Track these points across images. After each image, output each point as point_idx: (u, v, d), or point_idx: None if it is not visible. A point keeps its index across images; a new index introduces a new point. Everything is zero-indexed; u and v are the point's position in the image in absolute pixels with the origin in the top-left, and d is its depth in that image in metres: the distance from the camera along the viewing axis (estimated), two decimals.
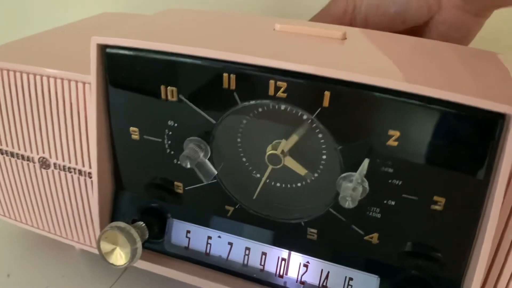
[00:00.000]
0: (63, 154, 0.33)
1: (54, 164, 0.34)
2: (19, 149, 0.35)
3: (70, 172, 0.34)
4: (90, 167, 0.33)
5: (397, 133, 0.23)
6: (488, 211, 0.23)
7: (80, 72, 0.30)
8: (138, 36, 0.27)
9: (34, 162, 0.35)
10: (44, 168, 0.34)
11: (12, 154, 0.35)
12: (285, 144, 0.26)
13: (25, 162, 0.35)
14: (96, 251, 0.33)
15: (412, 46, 0.28)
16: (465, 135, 0.22)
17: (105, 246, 0.30)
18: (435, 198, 0.24)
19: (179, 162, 0.29)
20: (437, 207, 0.24)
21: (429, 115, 0.23)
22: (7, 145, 0.35)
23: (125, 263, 0.30)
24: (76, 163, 0.33)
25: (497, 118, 0.21)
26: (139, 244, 0.30)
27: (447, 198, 0.24)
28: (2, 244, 0.40)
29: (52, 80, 0.31)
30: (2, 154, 0.35)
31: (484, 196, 0.23)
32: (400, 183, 0.24)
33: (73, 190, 0.34)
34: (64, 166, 0.34)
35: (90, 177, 0.33)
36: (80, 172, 0.33)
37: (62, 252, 0.39)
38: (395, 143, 0.24)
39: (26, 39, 0.37)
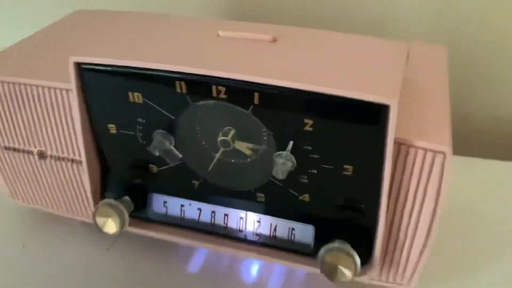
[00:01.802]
0: (57, 147, 0.40)
1: (50, 155, 0.41)
2: (20, 145, 0.42)
3: (64, 161, 0.41)
4: (80, 156, 0.40)
5: (310, 121, 0.31)
6: (384, 174, 0.31)
7: (64, 80, 0.37)
8: (107, 54, 0.33)
9: (33, 155, 0.42)
10: (42, 159, 0.42)
11: (14, 149, 0.42)
12: (232, 134, 0.33)
13: (26, 155, 0.42)
14: (80, 219, 0.41)
15: (338, 44, 0.34)
16: (360, 120, 0.30)
17: (100, 219, 0.38)
18: (345, 166, 0.32)
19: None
20: (347, 173, 0.32)
21: (332, 107, 0.30)
22: (8, 142, 0.42)
23: (117, 231, 0.38)
24: (69, 154, 0.40)
25: (382, 107, 0.29)
26: (126, 216, 0.38)
27: (353, 166, 0.32)
28: (16, 220, 0.47)
29: (41, 89, 0.37)
30: (6, 149, 0.42)
31: (381, 165, 0.31)
32: (318, 157, 0.32)
33: (68, 175, 0.41)
34: (59, 157, 0.41)
35: (81, 164, 0.40)
36: (72, 160, 0.40)
37: (66, 224, 0.47)
38: (310, 128, 0.31)
39: (12, 48, 0.43)
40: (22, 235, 0.46)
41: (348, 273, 0.33)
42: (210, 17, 0.65)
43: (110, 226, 0.38)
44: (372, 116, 0.29)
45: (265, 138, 0.33)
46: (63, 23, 0.49)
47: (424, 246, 0.34)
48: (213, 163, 0.35)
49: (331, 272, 0.34)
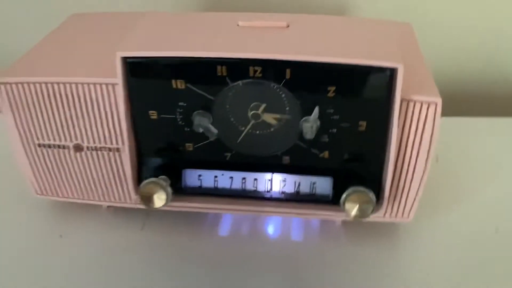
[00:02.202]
0: (93, 138, 0.44)
1: (87, 147, 0.45)
2: (55, 140, 0.45)
3: (101, 150, 0.45)
4: (117, 144, 0.44)
5: (333, 88, 0.38)
6: (392, 128, 0.39)
7: (101, 75, 0.41)
8: (151, 48, 0.38)
9: (69, 149, 0.45)
10: (78, 152, 0.45)
11: (49, 146, 0.45)
12: (263, 108, 0.40)
13: (61, 150, 0.46)
14: (120, 205, 0.46)
15: (340, 25, 0.42)
16: (372, 83, 0.38)
17: (146, 197, 0.43)
18: (360, 122, 0.40)
19: (189, 129, 0.42)
20: (361, 128, 0.40)
21: (351, 73, 0.37)
22: (43, 139, 0.45)
23: (164, 204, 0.43)
24: (106, 143, 0.44)
25: (387, 72, 0.37)
26: (169, 189, 0.43)
27: (367, 122, 0.40)
28: (48, 215, 0.51)
29: (74, 86, 0.41)
30: (39, 147, 0.46)
31: (388, 119, 0.39)
32: (338, 117, 0.40)
33: (104, 163, 0.46)
34: (95, 147, 0.45)
35: (118, 151, 0.45)
36: (109, 149, 0.45)
37: (92, 211, 0.50)
38: (333, 94, 0.38)
39: (32, 53, 0.46)
40: (54, 227, 0.49)
41: (368, 210, 0.41)
42: (190, 9, 0.70)
43: (157, 201, 0.43)
44: (384, 77, 0.37)
45: (288, 108, 0.40)
46: (67, 26, 0.52)
47: (420, 184, 0.43)
48: (243, 135, 0.41)
49: (353, 211, 0.42)
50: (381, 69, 0.37)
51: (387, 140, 0.41)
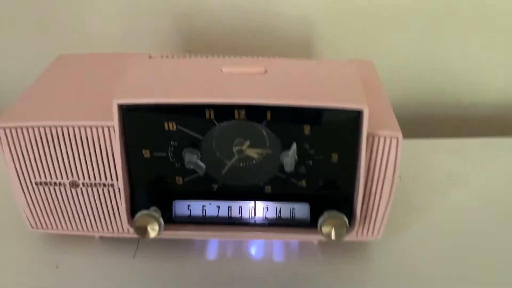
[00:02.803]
0: (89, 175, 0.48)
1: (82, 183, 0.48)
2: (52, 178, 0.48)
3: (96, 186, 0.49)
4: (111, 180, 0.48)
5: (308, 126, 0.43)
6: (360, 159, 0.45)
7: (96, 118, 0.45)
8: (145, 95, 0.43)
9: (65, 186, 0.49)
10: (73, 188, 0.49)
11: (45, 183, 0.49)
12: (247, 145, 0.44)
13: (57, 187, 0.49)
14: (112, 235, 0.49)
15: (311, 68, 0.47)
16: (341, 122, 0.43)
17: (140, 228, 0.47)
18: (332, 155, 0.45)
19: (179, 165, 0.46)
20: (333, 160, 0.45)
21: (324, 115, 0.43)
22: (40, 178, 0.48)
23: (157, 234, 0.47)
24: (101, 179, 0.48)
25: (355, 113, 0.42)
26: (161, 220, 0.47)
27: (338, 155, 0.45)
28: (46, 246, 0.53)
29: (77, 128, 0.45)
30: (37, 185, 0.49)
31: (357, 151, 0.44)
32: (313, 151, 0.45)
33: (98, 198, 0.49)
34: (91, 183, 0.48)
35: (112, 187, 0.48)
36: (104, 184, 0.48)
37: (84, 242, 0.54)
38: (308, 132, 0.44)
39: (26, 97, 0.50)
40: (51, 258, 0.52)
41: (343, 232, 0.46)
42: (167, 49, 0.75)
43: (151, 232, 0.47)
44: (352, 117, 0.42)
45: (268, 143, 0.45)
46: (56, 68, 0.56)
47: (387, 205, 0.49)
48: (227, 167, 0.46)
49: (329, 234, 0.47)
50: (348, 111, 0.42)
51: (356, 169, 0.46)
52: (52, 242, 0.54)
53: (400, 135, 0.45)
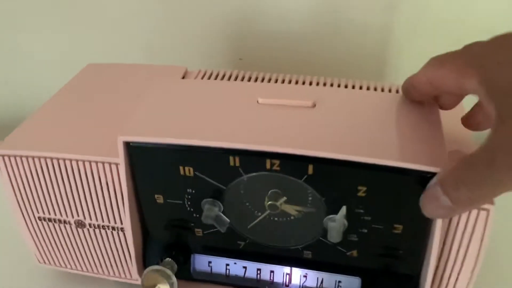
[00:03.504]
0: (96, 215, 0.40)
1: (89, 224, 0.41)
2: (56, 215, 0.41)
3: (104, 229, 0.41)
4: (121, 224, 0.40)
5: (364, 188, 0.32)
6: (432, 231, 0.33)
7: (104, 152, 0.37)
8: (154, 132, 0.34)
9: (70, 224, 0.42)
10: (80, 228, 0.42)
11: (49, 220, 0.42)
12: (283, 201, 0.34)
13: (62, 225, 0.42)
14: (128, 281, 0.42)
15: (375, 105, 0.36)
16: (411, 185, 0.31)
17: (147, 287, 0.38)
18: (395, 225, 0.34)
19: (198, 216, 0.37)
20: (397, 231, 0.34)
21: (385, 174, 0.31)
22: (43, 213, 0.42)
23: None
24: (109, 221, 0.40)
25: (429, 175, 0.30)
26: (174, 279, 0.39)
27: (403, 226, 0.34)
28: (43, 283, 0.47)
29: (81, 163, 0.38)
30: (40, 220, 0.42)
31: (429, 224, 0.33)
32: (369, 218, 0.34)
33: (108, 241, 0.42)
34: (98, 225, 0.41)
35: (122, 231, 0.41)
36: (113, 228, 0.41)
37: (100, 284, 0.47)
38: (364, 194, 0.33)
39: (34, 120, 0.43)
40: None
41: None
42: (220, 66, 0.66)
43: None
44: (424, 181, 0.31)
45: (311, 200, 0.34)
46: (79, 83, 0.48)
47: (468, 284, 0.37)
48: (255, 222, 0.36)
49: None
50: (420, 172, 0.30)
51: (427, 241, 0.34)
52: (53, 280, 0.47)
53: (491, 207, 0.32)
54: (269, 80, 0.44)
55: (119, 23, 0.66)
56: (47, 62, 0.70)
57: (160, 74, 0.48)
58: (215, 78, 0.46)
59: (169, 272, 0.38)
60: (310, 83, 0.44)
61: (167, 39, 0.66)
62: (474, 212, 0.33)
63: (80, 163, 0.38)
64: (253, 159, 0.33)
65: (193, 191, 0.36)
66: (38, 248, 0.44)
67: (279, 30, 0.62)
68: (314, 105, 0.36)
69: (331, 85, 0.44)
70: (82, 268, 0.45)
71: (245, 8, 0.62)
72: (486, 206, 0.32)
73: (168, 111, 0.36)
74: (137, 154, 0.35)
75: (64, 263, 0.45)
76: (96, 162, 0.37)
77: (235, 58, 0.65)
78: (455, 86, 0.30)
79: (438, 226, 0.32)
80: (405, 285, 0.37)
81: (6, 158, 0.39)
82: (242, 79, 0.45)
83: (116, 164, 0.37)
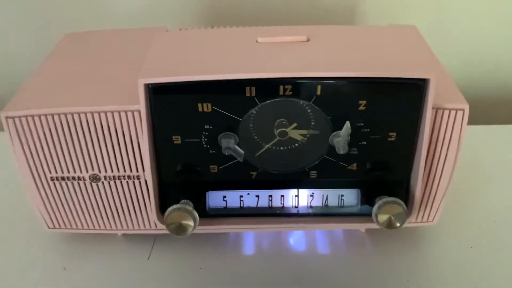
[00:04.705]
0: (111, 167, 0.42)
1: (104, 176, 0.43)
2: (69, 173, 0.43)
3: (119, 179, 0.43)
4: (137, 171, 0.42)
5: (364, 101, 0.38)
6: (421, 137, 0.39)
7: (117, 101, 0.39)
8: (175, 73, 0.37)
9: (85, 180, 0.43)
10: (94, 182, 0.43)
11: (63, 178, 0.43)
12: (293, 126, 0.39)
13: (75, 182, 0.43)
14: (138, 232, 0.44)
15: (357, 35, 0.41)
16: (404, 94, 0.37)
17: (173, 225, 0.41)
18: (390, 133, 0.39)
19: (214, 152, 0.40)
20: (391, 139, 0.40)
21: (382, 86, 0.37)
22: (56, 172, 0.43)
23: (192, 229, 0.41)
24: (125, 171, 0.42)
25: (420, 82, 0.36)
26: (195, 213, 0.42)
27: (397, 133, 0.39)
28: (54, 244, 0.48)
29: (97, 114, 0.39)
30: (53, 180, 0.43)
31: (418, 128, 0.39)
32: (368, 130, 0.39)
33: (123, 192, 0.44)
34: (114, 176, 0.43)
35: (138, 179, 0.43)
36: (129, 177, 0.43)
37: (106, 240, 0.48)
38: (364, 108, 0.38)
39: (38, 79, 0.44)
40: (61, 259, 0.47)
41: (401, 219, 0.41)
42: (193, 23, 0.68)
43: (185, 227, 0.41)
44: (417, 88, 0.37)
45: (313, 123, 0.39)
46: (64, 48, 0.49)
47: (446, 188, 0.43)
48: (263, 150, 0.40)
49: (386, 223, 0.41)
50: (413, 80, 0.36)
51: (415, 149, 0.40)
52: (70, 242, 0.48)
53: (467, 107, 0.39)
54: None
55: None
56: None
57: (144, 34, 0.49)
58: None
59: (190, 208, 0.42)
60: None
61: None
62: (453, 112, 0.39)
63: (96, 115, 0.39)
64: (268, 87, 0.37)
65: (210, 127, 0.39)
66: (49, 212, 0.45)
67: None
68: (308, 40, 0.41)
69: None
70: (95, 226, 0.46)
71: None
72: (462, 106, 0.39)
73: (178, 54, 0.39)
74: (157, 96, 0.37)
75: (76, 224, 0.46)
76: (112, 112, 0.39)
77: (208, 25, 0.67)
78: None
79: (427, 129, 0.39)
80: (397, 189, 0.43)
81: (17, 120, 0.40)
82: None
83: (133, 112, 0.39)
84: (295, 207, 0.44)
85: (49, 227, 0.46)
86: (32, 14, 0.68)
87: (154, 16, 0.67)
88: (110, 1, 0.67)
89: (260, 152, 0.41)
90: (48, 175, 0.43)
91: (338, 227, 0.46)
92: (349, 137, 0.39)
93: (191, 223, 0.41)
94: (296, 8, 0.66)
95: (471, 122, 0.61)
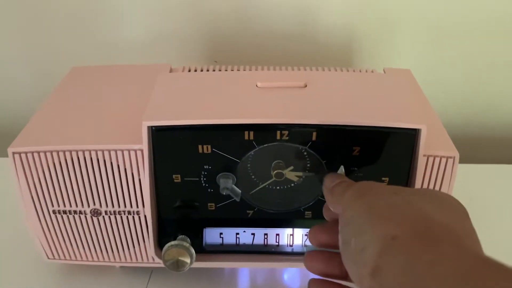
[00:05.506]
0: (112, 202, 0.43)
1: (105, 211, 0.44)
2: (71, 206, 0.44)
3: (120, 214, 0.44)
4: (137, 207, 0.44)
5: (357, 148, 0.39)
6: (413, 182, 0.40)
7: (120, 140, 0.41)
8: (176, 116, 0.38)
9: (86, 214, 0.44)
10: (95, 216, 0.44)
11: (64, 212, 0.44)
12: (290, 169, 0.40)
13: (77, 216, 0.44)
14: (134, 265, 0.45)
15: (354, 81, 0.43)
16: (396, 142, 0.39)
17: (170, 261, 0.42)
18: (383, 178, 0.41)
19: (212, 190, 0.42)
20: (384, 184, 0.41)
21: (375, 134, 0.38)
22: (58, 206, 0.44)
23: (189, 266, 0.42)
24: (125, 206, 0.44)
25: (412, 132, 0.38)
26: (192, 250, 0.43)
27: (389, 177, 0.41)
28: (53, 275, 0.49)
29: (101, 153, 0.41)
30: (54, 213, 0.44)
31: (410, 174, 0.40)
32: (362, 174, 0.41)
33: (122, 226, 0.45)
34: (114, 211, 0.44)
35: (138, 214, 0.44)
36: (129, 212, 0.44)
37: (104, 272, 0.49)
38: (358, 153, 0.39)
39: (44, 115, 0.45)
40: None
41: None
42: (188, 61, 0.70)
43: (182, 263, 0.42)
44: (408, 137, 0.38)
45: (309, 165, 0.41)
46: (70, 84, 0.51)
47: None
48: (257, 189, 0.42)
49: None
50: (405, 130, 0.38)
51: None
52: (68, 272, 0.49)
53: (457, 154, 0.40)
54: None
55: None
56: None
57: (148, 72, 0.51)
58: None
59: (187, 244, 0.43)
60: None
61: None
62: (444, 159, 0.41)
63: (100, 153, 0.41)
64: (266, 132, 0.38)
65: (210, 167, 0.40)
66: (49, 243, 0.46)
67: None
68: (305, 85, 0.43)
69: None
70: (94, 258, 0.47)
71: (222, 9, 0.67)
72: (452, 154, 0.40)
73: (180, 97, 0.41)
74: (159, 137, 0.39)
75: (75, 255, 0.47)
76: (115, 150, 0.41)
77: (210, 61, 0.70)
78: None
79: (418, 176, 0.40)
80: None
81: (23, 155, 0.41)
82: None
83: (136, 151, 0.41)
84: (290, 245, 0.45)
85: (48, 258, 0.47)
86: (38, 45, 0.70)
87: (158, 48, 0.69)
88: (114, 34, 0.69)
89: (256, 189, 0.42)
90: (51, 208, 0.44)
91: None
92: None
93: (188, 259, 0.42)
94: (295, 47, 0.68)
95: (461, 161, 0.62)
